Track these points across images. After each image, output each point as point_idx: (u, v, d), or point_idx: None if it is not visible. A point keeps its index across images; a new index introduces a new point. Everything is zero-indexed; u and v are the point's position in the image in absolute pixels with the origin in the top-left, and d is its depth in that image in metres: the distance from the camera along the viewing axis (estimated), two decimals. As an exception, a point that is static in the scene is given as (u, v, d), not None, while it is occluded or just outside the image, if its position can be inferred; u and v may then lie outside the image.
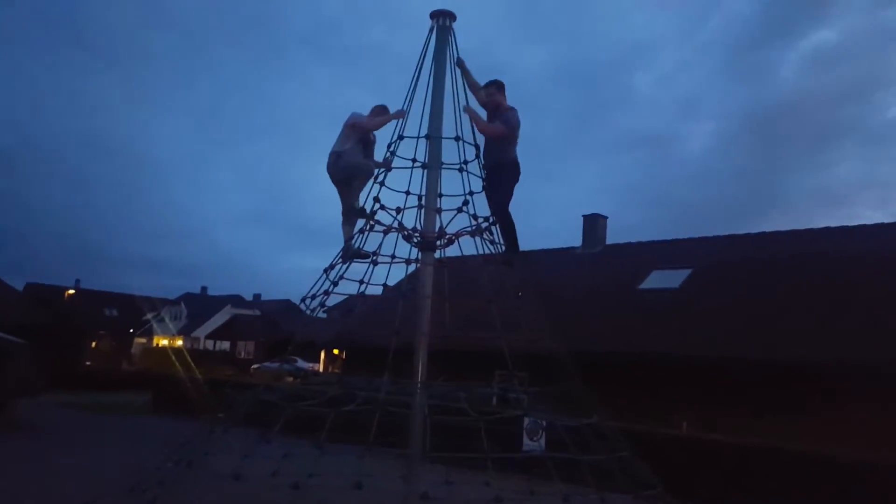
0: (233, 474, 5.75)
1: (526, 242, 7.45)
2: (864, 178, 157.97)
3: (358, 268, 6.88)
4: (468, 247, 6.84)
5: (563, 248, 22.84)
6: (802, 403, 12.03)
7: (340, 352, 26.34)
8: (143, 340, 57.69)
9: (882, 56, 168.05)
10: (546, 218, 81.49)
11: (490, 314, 6.25)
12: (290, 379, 27.13)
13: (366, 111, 7.28)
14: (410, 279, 7.15)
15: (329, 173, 7.07)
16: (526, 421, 7.52)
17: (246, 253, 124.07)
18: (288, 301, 57.69)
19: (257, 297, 68.15)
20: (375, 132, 7.29)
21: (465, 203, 6.67)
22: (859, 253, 15.49)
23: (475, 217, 6.73)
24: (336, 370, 30.40)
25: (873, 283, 14.15)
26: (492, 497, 5.88)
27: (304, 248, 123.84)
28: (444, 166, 6.75)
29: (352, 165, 6.94)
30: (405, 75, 7.06)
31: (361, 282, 6.83)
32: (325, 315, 10.29)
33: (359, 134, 7.05)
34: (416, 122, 6.89)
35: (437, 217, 6.60)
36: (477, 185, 6.92)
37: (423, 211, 6.60)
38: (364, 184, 7.06)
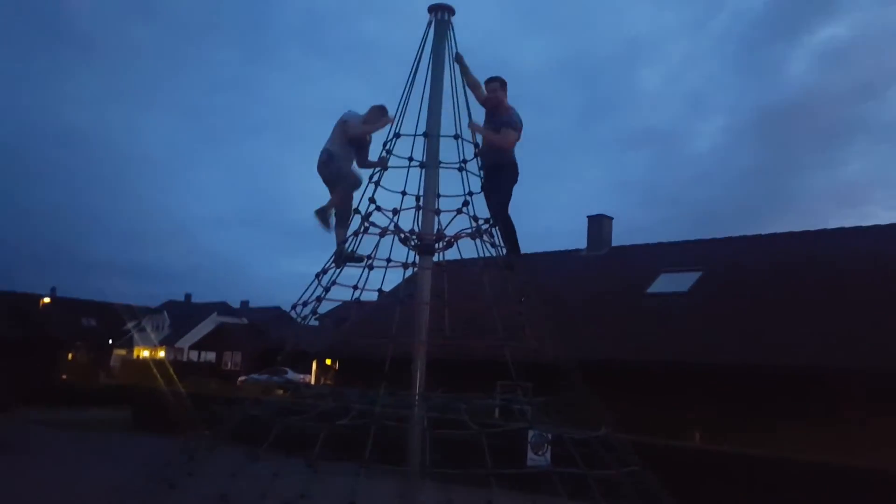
0: (219, 495, 5.53)
1: (528, 244, 7.33)
2: (878, 177, 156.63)
3: (352, 272, 6.63)
4: (468, 249, 6.62)
5: (566, 251, 22.65)
6: (820, 411, 11.69)
7: (333, 362, 25.68)
8: (123, 352, 56.61)
9: (893, 52, 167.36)
10: (549, 218, 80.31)
11: (492, 320, 6.04)
12: (280, 391, 25.86)
13: (363, 108, 7.09)
14: (407, 284, 6.93)
15: (319, 171, 6.93)
16: (530, 434, 7.27)
17: (233, 257, 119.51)
18: (278, 308, 57.19)
19: (245, 304, 66.20)
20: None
21: (465, 204, 6.45)
22: (874, 254, 15.20)
23: (475, 218, 6.53)
24: (329, 382, 29.73)
25: (890, 285, 13.80)
26: (495, 516, 5.59)
27: (294, 251, 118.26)
28: (442, 165, 6.54)
29: (338, 175, 6.83)
30: (402, 70, 6.91)
31: (356, 287, 6.54)
32: (317, 323, 9.98)
33: (349, 138, 6.91)
34: (414, 120, 6.68)
35: (436, 218, 6.39)
36: (476, 184, 6.74)
37: (420, 212, 6.39)
38: (352, 191, 6.90)
